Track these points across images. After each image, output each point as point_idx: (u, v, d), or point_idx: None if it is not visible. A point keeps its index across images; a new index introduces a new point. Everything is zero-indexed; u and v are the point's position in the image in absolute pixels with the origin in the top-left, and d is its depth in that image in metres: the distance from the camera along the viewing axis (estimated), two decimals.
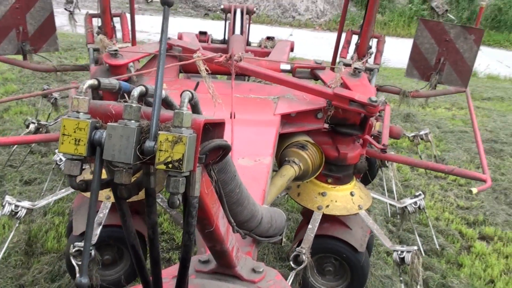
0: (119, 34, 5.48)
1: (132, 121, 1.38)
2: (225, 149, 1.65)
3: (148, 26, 16.52)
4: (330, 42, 16.95)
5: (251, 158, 3.22)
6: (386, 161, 5.31)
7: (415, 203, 4.60)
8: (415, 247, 3.85)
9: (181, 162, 1.35)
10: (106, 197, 3.72)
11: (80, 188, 1.48)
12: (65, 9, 5.77)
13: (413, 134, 6.17)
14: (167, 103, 1.54)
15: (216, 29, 6.54)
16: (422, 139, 6.09)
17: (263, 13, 20.21)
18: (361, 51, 5.33)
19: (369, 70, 5.40)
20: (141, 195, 1.53)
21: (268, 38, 6.06)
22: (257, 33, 7.12)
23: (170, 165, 1.35)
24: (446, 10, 6.02)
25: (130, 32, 5.67)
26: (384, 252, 5.32)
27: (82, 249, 3.46)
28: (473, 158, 8.22)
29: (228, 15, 5.91)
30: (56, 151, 4.51)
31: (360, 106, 3.75)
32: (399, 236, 5.66)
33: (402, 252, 3.84)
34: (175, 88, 3.87)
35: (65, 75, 9.23)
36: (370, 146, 4.43)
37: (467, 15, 20.12)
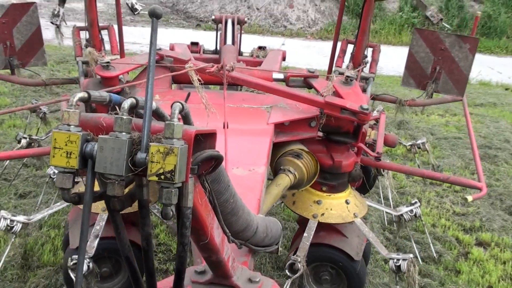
0: (106, 46, 5.47)
1: (123, 133, 1.37)
2: (217, 160, 1.65)
3: (140, 37, 16.55)
4: (322, 51, 17.09)
5: (245, 167, 3.21)
6: (382, 170, 5.32)
7: (411, 211, 4.60)
8: (411, 255, 3.84)
9: (173, 173, 1.34)
10: (102, 209, 3.71)
11: (73, 201, 1.47)
12: (52, 22, 5.75)
13: (410, 143, 6.17)
14: (158, 115, 1.53)
15: (208, 39, 6.55)
16: (419, 148, 6.09)
17: (254, 23, 20.28)
18: (357, 60, 5.35)
19: (365, 79, 5.42)
20: (136, 206, 1.53)
21: (260, 47, 6.07)
22: (249, 43, 7.14)
23: (162, 177, 1.35)
24: (441, 19, 6.07)
25: (118, 44, 5.67)
26: (382, 260, 5.31)
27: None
28: (468, 164, 8.24)
29: (220, 25, 5.92)
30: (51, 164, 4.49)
31: (351, 114, 3.76)
32: (396, 244, 5.65)
33: (398, 260, 3.84)
34: (167, 99, 3.86)
35: (58, 88, 9.21)
36: (365, 154, 4.43)
37: (457, 22, 20.25)
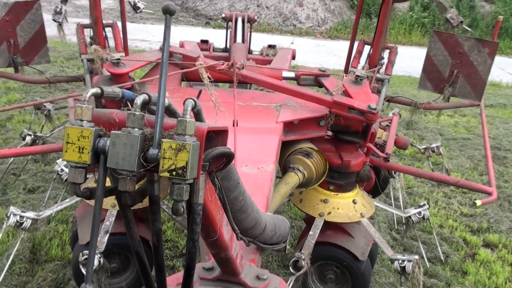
0: (110, 44, 5.49)
1: (136, 129, 1.38)
2: (229, 157, 1.66)
3: (149, 35, 16.60)
4: (331, 50, 17.05)
5: (254, 165, 3.22)
6: (393, 172, 5.29)
7: (419, 213, 4.59)
8: (416, 256, 3.83)
9: (185, 170, 1.35)
10: (111, 205, 3.73)
11: (85, 196, 1.48)
12: (54, 20, 5.74)
13: (424, 146, 6.13)
14: (170, 111, 1.54)
15: (218, 37, 6.56)
16: (433, 151, 6.04)
17: (264, 21, 20.27)
18: (373, 62, 5.35)
19: (380, 81, 5.42)
20: (146, 202, 1.53)
21: (270, 46, 6.08)
22: (259, 41, 7.15)
23: (174, 173, 1.35)
24: (461, 22, 6.00)
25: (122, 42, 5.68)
26: (388, 260, 5.30)
27: None
28: (476, 165, 8.21)
29: (230, 23, 5.93)
30: (57, 161, 4.51)
31: (359, 113, 3.76)
32: (403, 244, 5.64)
33: (403, 261, 3.83)
34: (177, 96, 3.88)
35: (68, 85, 9.25)
36: (375, 155, 4.42)
37: (467, 23, 20.15)
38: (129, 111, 1.40)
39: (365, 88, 3.98)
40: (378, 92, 5.34)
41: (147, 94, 1.46)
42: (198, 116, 1.56)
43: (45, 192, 5.79)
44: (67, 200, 4.19)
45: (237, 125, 3.31)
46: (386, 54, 5.79)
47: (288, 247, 2.92)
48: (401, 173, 5.31)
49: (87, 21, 5.62)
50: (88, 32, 5.49)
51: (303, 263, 3.73)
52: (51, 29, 5.64)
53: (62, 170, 4.45)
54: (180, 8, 21.35)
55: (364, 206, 4.17)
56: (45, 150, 4.62)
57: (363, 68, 5.34)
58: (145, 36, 16.59)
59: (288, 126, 3.85)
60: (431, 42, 5.53)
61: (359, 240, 4.17)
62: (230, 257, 2.03)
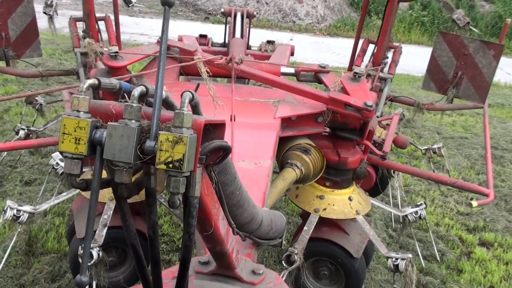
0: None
1: (133, 121, 1.37)
2: (226, 150, 1.65)
3: (148, 29, 16.57)
4: (330, 47, 17.02)
5: (251, 161, 3.22)
6: (392, 172, 5.29)
7: (416, 212, 4.59)
8: (410, 255, 3.84)
9: (181, 162, 1.34)
10: (109, 198, 3.72)
11: (81, 187, 1.47)
12: (44, 12, 5.72)
13: (425, 147, 6.12)
14: (167, 104, 1.53)
15: (217, 32, 6.55)
16: (434, 152, 6.03)
17: (263, 17, 20.25)
18: (376, 60, 5.35)
19: (383, 80, 5.41)
20: (142, 196, 1.53)
21: (269, 42, 6.08)
22: (257, 37, 7.13)
23: (170, 165, 1.35)
24: (468, 23, 5.97)
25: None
26: (384, 257, 5.30)
27: (91, 250, 3.46)
28: (473, 164, 8.23)
29: (229, 18, 5.92)
30: (53, 155, 4.49)
31: (355, 110, 3.75)
32: (399, 242, 5.65)
33: (397, 259, 3.83)
34: (175, 90, 3.87)
35: (65, 78, 9.23)
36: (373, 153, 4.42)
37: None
38: (126, 103, 1.39)
39: (363, 85, 3.98)
40: (380, 91, 5.34)
41: (144, 86, 1.45)
42: (195, 109, 1.55)
43: (42, 184, 5.79)
44: (64, 193, 4.18)
45: (234, 120, 3.30)
46: (391, 53, 5.80)
47: (284, 242, 2.91)
48: (400, 172, 5.31)
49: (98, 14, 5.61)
50: (81, 26, 5.47)
51: (295, 257, 3.74)
52: (44, 22, 5.61)
53: (57, 164, 4.43)
54: (179, 3, 21.31)
55: (360, 204, 4.17)
56: (45, 143, 4.59)
57: (366, 66, 5.35)
58: (144, 30, 16.57)
59: (286, 122, 3.85)
60: (436, 43, 5.52)
61: (354, 237, 4.18)
62: (226, 251, 2.02)
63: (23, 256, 4.68)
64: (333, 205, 4.08)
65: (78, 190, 4.01)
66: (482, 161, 8.41)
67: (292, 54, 5.69)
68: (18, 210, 3.84)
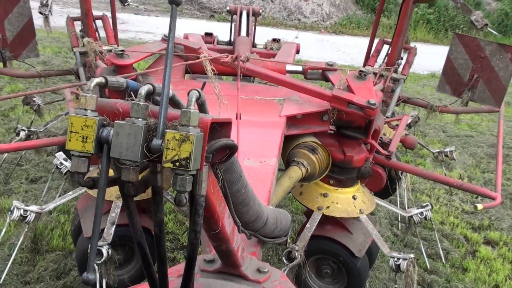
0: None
1: (140, 119, 1.38)
2: (232, 149, 1.65)
3: (154, 27, 16.58)
4: (336, 45, 16.97)
5: (257, 159, 3.22)
6: (400, 173, 5.27)
7: (422, 213, 4.56)
8: (412, 255, 3.83)
9: (188, 161, 1.35)
10: (116, 196, 3.72)
11: (88, 185, 1.48)
12: (40, 12, 5.69)
13: (437, 150, 6.06)
14: (174, 102, 1.54)
15: (222, 31, 6.55)
16: (446, 156, 5.98)
17: (268, 15, 20.23)
18: (390, 61, 5.34)
19: (395, 80, 5.40)
20: (149, 194, 1.53)
21: (274, 40, 6.07)
22: (263, 35, 7.13)
23: (177, 164, 1.35)
24: (486, 24, 5.92)
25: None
26: (389, 256, 5.31)
27: (100, 248, 3.47)
28: (479, 162, 8.20)
29: (234, 16, 5.92)
30: (56, 154, 4.48)
31: (359, 108, 3.75)
32: (403, 240, 5.64)
33: (398, 259, 3.83)
34: (181, 88, 3.87)
35: (71, 76, 9.24)
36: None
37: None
38: (133, 101, 1.39)
39: (368, 83, 3.97)
40: (392, 91, 5.33)
41: (151, 84, 1.46)
42: (202, 107, 1.56)
43: (47, 182, 5.80)
44: (70, 192, 4.18)
45: (240, 118, 3.31)
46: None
47: (289, 241, 2.92)
48: (407, 174, 5.28)
49: (95, 12, 5.61)
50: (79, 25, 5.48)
51: (296, 254, 3.74)
52: (59, 21, 5.61)
53: (61, 163, 4.41)
54: (185, 1, 21.32)
55: (364, 203, 4.17)
56: (50, 143, 4.58)
57: (380, 67, 5.36)
58: (150, 28, 16.58)
59: (291, 120, 3.85)
60: (452, 45, 5.46)
61: (357, 237, 4.17)
62: (231, 249, 2.03)
63: (28, 253, 4.70)
64: (337, 203, 4.08)
65: (84, 189, 4.01)
66: (488, 160, 8.39)
67: (297, 52, 5.68)
68: (25, 210, 3.83)
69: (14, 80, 9.23)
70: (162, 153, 1.36)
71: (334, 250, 4.13)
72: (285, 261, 3.77)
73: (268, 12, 20.32)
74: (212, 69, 3.56)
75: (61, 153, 4.40)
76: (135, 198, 1.56)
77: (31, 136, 5.28)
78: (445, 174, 6.65)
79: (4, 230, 4.15)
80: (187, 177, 1.38)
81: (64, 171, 4.35)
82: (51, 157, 6.48)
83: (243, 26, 5.81)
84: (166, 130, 1.36)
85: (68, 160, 4.35)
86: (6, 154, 5.99)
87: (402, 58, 5.70)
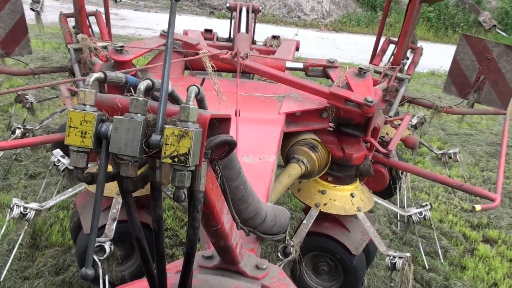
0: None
1: (139, 115, 1.38)
2: (231, 145, 1.65)
3: (153, 23, 16.56)
4: (335, 43, 16.95)
5: (256, 156, 3.22)
6: (400, 172, 5.26)
7: (421, 213, 4.54)
8: (408, 254, 3.83)
9: (187, 156, 1.34)
10: (117, 192, 3.71)
11: (86, 181, 1.47)
12: (31, 9, 5.64)
13: (441, 151, 6.01)
14: (173, 98, 1.54)
15: (222, 27, 6.53)
16: (450, 157, 5.93)
17: (268, 12, 20.21)
18: (396, 60, 5.33)
19: (400, 80, 5.39)
20: (148, 189, 1.53)
21: (274, 37, 6.07)
22: (263, 32, 7.13)
23: (176, 159, 1.35)
24: (494, 25, 5.88)
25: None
26: (386, 254, 5.31)
27: (102, 244, 3.46)
28: (478, 161, 8.21)
29: (234, 13, 5.91)
30: (53, 152, 4.46)
31: (356, 106, 3.74)
32: (402, 238, 5.65)
33: (394, 257, 3.83)
34: (180, 85, 3.87)
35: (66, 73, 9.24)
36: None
37: (474, 18, 20.03)
38: (132, 97, 1.39)
39: (367, 81, 3.96)
40: (396, 91, 5.32)
41: (150, 80, 1.45)
42: (201, 103, 1.55)
43: (47, 178, 5.80)
44: (70, 189, 4.16)
45: (239, 115, 3.30)
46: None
47: (287, 237, 2.92)
48: (408, 173, 5.27)
49: (93, 8, 5.60)
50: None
51: (291, 249, 3.74)
52: (49, 15, 5.58)
53: (58, 160, 4.39)
54: None
55: (362, 201, 4.16)
56: (49, 139, 4.56)
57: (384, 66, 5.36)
58: (149, 24, 16.56)
59: (291, 117, 3.84)
60: (459, 46, 5.43)
61: (355, 235, 4.17)
62: (229, 246, 2.03)
63: (27, 249, 4.70)
64: (334, 200, 4.08)
65: (83, 186, 4.01)
66: (487, 158, 8.40)
67: (297, 49, 5.68)
68: (25, 208, 3.82)
69: (14, 76, 9.22)
70: (161, 149, 1.36)
71: (331, 247, 4.14)
72: (280, 256, 3.77)
73: (268, 9, 20.29)
74: (211, 65, 3.55)
75: (58, 150, 4.38)
76: (135, 194, 1.56)
77: (27, 134, 5.25)
78: (449, 176, 6.63)
79: (4, 227, 4.13)
80: (186, 173, 1.37)
81: (62, 169, 4.33)
82: (50, 153, 6.48)
83: (243, 23, 5.80)
84: (165, 126, 1.35)
85: (66, 157, 4.33)
86: (1, 153, 5.98)
87: (408, 58, 5.69)
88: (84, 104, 1.40)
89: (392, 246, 5.51)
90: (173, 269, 2.07)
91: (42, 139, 4.47)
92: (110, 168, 1.48)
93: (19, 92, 5.87)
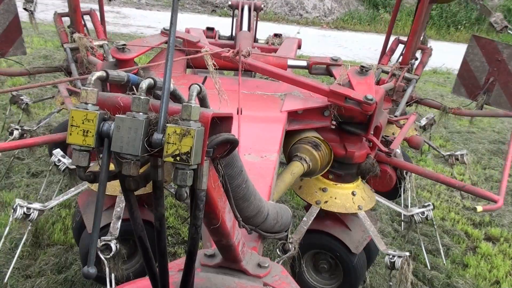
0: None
1: (141, 113, 1.37)
2: (233, 143, 1.65)
3: (155, 22, 16.56)
4: (338, 41, 16.94)
5: (258, 154, 3.22)
6: (404, 172, 5.24)
7: (423, 213, 4.52)
8: (407, 253, 3.82)
9: (189, 155, 1.34)
10: (120, 191, 3.71)
11: (88, 179, 1.48)
12: (25, 9, 5.57)
13: (448, 153, 5.97)
14: (175, 96, 1.53)
15: (223, 26, 6.54)
16: (457, 159, 5.83)
17: (270, 10, 20.20)
18: (404, 60, 5.33)
19: (407, 80, 5.38)
20: (151, 188, 1.53)
21: (276, 35, 6.07)
22: (265, 30, 7.12)
23: (178, 158, 1.35)
24: (506, 27, 5.84)
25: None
26: (385, 253, 5.31)
27: (109, 243, 3.46)
28: (480, 159, 8.20)
29: (236, 11, 5.91)
30: (54, 152, 4.44)
31: (356, 103, 3.74)
32: (404, 236, 5.64)
33: (394, 256, 3.83)
34: (182, 83, 3.87)
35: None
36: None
37: (476, 16, 20.04)
38: (134, 95, 1.39)
39: (369, 79, 3.95)
40: (404, 91, 5.31)
41: (152, 78, 1.45)
42: (203, 102, 1.55)
43: (49, 176, 5.79)
44: (73, 189, 4.15)
45: (241, 113, 3.30)
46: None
47: (289, 236, 2.92)
48: (413, 174, 5.24)
49: (87, 6, 5.59)
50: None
51: (290, 246, 3.74)
52: (51, 14, 5.56)
53: (59, 160, 4.37)
54: None
55: (363, 199, 4.15)
56: (50, 139, 4.53)
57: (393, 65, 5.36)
58: (151, 23, 16.57)
59: (292, 115, 3.84)
60: (469, 47, 5.39)
61: (356, 233, 4.17)
62: (231, 244, 2.03)
63: (29, 247, 4.71)
64: (335, 198, 4.07)
65: (86, 185, 4.01)
66: (489, 156, 8.39)
67: (299, 47, 5.68)
68: (28, 208, 3.82)
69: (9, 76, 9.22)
70: (163, 147, 1.36)
71: (331, 245, 4.14)
72: (279, 253, 3.77)
73: (270, 7, 20.28)
74: (213, 63, 3.55)
75: (58, 150, 4.36)
76: (137, 192, 1.56)
77: (25, 135, 5.22)
78: (452, 174, 6.59)
79: (7, 228, 4.13)
80: (188, 172, 1.37)
81: (63, 168, 4.31)
82: (48, 153, 6.48)
83: (245, 21, 5.80)
84: (167, 125, 1.35)
85: (66, 157, 4.32)
86: None
87: (417, 58, 5.67)
88: (86, 103, 1.40)
89: (394, 244, 5.51)
90: (175, 268, 2.07)
91: (43, 139, 4.46)
92: (112, 166, 1.48)
93: (14, 93, 5.83)
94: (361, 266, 4.17)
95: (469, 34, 20.39)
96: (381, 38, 5.80)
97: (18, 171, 6.05)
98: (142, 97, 1.38)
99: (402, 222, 5.90)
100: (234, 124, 1.72)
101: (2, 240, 4.22)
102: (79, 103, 1.41)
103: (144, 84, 1.42)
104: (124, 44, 3.91)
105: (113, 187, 3.60)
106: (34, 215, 3.80)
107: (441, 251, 5.37)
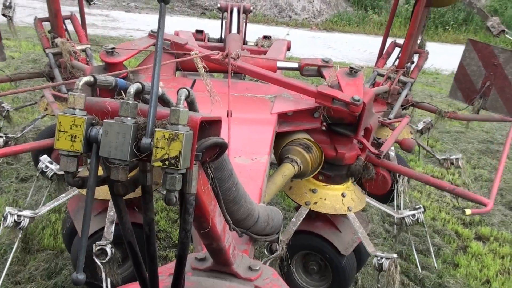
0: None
1: (129, 118, 1.37)
2: (222, 147, 1.65)
3: (144, 25, 16.53)
4: (327, 42, 16.98)
5: (248, 156, 3.21)
6: (397, 175, 5.25)
7: (414, 215, 4.53)
8: (395, 255, 3.83)
9: (177, 159, 1.34)
10: None
11: (77, 185, 1.47)
12: (3, 15, 5.53)
13: (443, 157, 5.92)
14: (163, 101, 1.53)
15: (213, 28, 6.53)
16: (452, 163, 5.82)
17: (259, 12, 20.22)
18: (400, 64, 5.34)
19: (403, 83, 5.39)
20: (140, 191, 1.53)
21: (265, 37, 6.07)
22: (254, 32, 7.13)
23: (166, 162, 1.34)
24: (503, 31, 5.85)
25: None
26: (373, 255, 5.32)
27: (104, 247, 3.44)
28: (469, 158, 8.24)
29: (225, 14, 5.91)
30: (41, 158, 4.39)
31: (343, 104, 3.74)
32: (394, 236, 5.66)
33: (381, 258, 3.84)
34: (171, 86, 3.86)
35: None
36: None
37: (463, 17, 20.18)
38: (122, 100, 1.38)
39: (358, 80, 3.96)
40: (399, 94, 5.33)
41: (140, 83, 1.45)
42: (191, 105, 1.55)
43: (38, 181, 5.76)
44: (63, 195, 4.11)
45: (231, 116, 3.30)
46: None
47: (281, 238, 2.91)
48: (406, 177, 5.24)
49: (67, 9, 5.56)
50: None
51: (277, 246, 3.73)
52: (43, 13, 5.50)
53: (46, 167, 4.32)
54: None
55: (353, 201, 4.16)
56: (40, 146, 4.48)
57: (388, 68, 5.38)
58: (140, 25, 16.53)
59: (283, 117, 3.84)
60: (465, 51, 5.40)
61: (345, 235, 4.17)
62: (222, 247, 2.02)
63: (19, 253, 4.66)
64: (325, 199, 4.07)
65: (76, 191, 3.98)
66: (478, 155, 8.44)
67: (288, 49, 5.68)
68: (19, 216, 3.78)
69: None
70: (151, 152, 1.35)
71: (320, 247, 4.14)
72: (266, 253, 3.77)
73: (259, 9, 20.30)
74: (203, 66, 3.55)
75: (45, 156, 4.31)
76: (129, 196, 1.56)
77: (9, 142, 5.17)
78: (450, 182, 6.61)
79: None
80: (177, 176, 1.37)
81: (50, 175, 4.25)
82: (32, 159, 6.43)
83: (234, 23, 5.81)
84: (156, 129, 1.35)
85: (54, 163, 4.28)
86: None
87: (413, 62, 5.69)
88: (74, 108, 1.39)
89: (386, 244, 5.52)
90: (165, 272, 2.07)
91: (31, 146, 4.43)
92: (101, 171, 1.47)
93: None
94: (350, 268, 4.17)
95: (457, 34, 20.55)
96: (370, 39, 5.85)
97: (7, 176, 6.00)
98: (130, 102, 1.38)
99: (394, 225, 5.91)
100: (224, 127, 1.71)
101: None
102: (67, 108, 1.40)
103: (132, 88, 1.41)
104: (113, 48, 3.89)
105: (106, 191, 3.57)
106: (24, 222, 3.77)
107: (432, 251, 5.39)
